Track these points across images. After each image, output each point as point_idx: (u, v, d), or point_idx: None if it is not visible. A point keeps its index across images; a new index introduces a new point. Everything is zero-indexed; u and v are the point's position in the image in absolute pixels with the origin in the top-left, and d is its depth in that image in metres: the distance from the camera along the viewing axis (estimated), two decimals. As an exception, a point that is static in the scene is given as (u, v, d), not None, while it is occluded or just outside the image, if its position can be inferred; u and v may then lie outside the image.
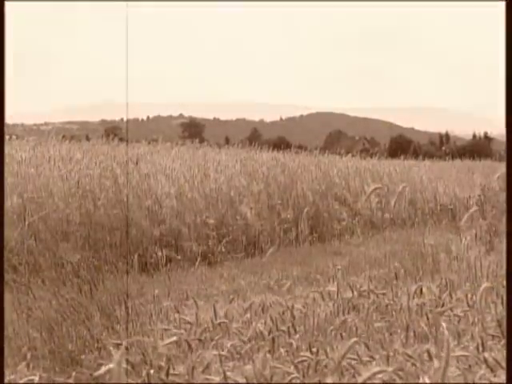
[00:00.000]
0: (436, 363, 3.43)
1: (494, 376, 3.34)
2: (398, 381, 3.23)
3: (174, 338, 4.15)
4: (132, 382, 3.72)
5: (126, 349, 4.71)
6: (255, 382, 3.58)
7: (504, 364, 3.35)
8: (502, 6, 3.73)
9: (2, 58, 3.83)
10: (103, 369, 2.98)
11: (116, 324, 6.96)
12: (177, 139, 27.51)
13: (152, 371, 3.76)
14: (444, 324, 4.25)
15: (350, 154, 24.27)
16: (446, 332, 3.12)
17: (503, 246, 7.77)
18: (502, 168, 4.39)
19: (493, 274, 6.33)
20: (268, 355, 3.93)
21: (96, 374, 3.49)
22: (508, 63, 3.62)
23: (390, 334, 4.54)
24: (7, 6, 4.06)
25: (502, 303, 4.45)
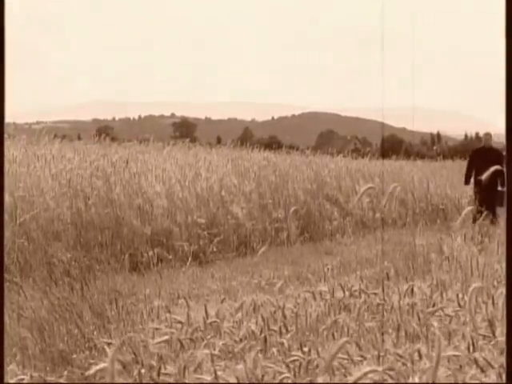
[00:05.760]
0: (426, 363, 3.44)
1: (485, 376, 3.34)
2: (389, 380, 3.24)
3: (166, 338, 4.16)
4: (123, 381, 3.72)
5: (118, 348, 4.71)
6: (246, 381, 3.58)
7: (494, 364, 3.36)
8: (501, 5, 3.73)
9: (2, 57, 3.83)
10: (94, 368, 2.99)
11: (107, 323, 6.95)
12: (168, 139, 27.50)
13: (143, 370, 3.77)
14: (435, 323, 4.26)
15: (341, 154, 24.29)
16: (438, 331, 3.13)
17: (494, 246, 7.78)
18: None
19: (484, 274, 6.34)
20: (259, 355, 3.94)
21: (87, 373, 3.49)
22: (508, 63, 3.62)
23: (381, 334, 4.54)
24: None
25: (493, 303, 4.46)
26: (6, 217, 11.36)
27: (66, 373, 5.21)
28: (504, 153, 3.73)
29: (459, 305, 4.66)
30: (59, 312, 7.21)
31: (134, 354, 4.44)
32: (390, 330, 4.57)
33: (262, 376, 3.62)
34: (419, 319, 4.53)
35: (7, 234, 10.83)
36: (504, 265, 4.05)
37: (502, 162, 15.10)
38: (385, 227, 17.49)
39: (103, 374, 2.82)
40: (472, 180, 15.72)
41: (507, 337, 3.21)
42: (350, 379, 2.90)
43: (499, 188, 14.29)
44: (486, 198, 13.99)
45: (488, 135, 16.02)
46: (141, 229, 12.93)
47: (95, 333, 6.64)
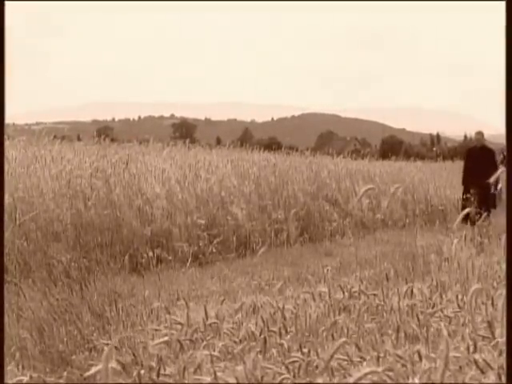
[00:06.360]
0: (426, 364, 3.43)
1: (484, 377, 3.34)
2: (389, 381, 3.23)
3: (165, 339, 4.15)
4: (123, 382, 3.72)
5: (117, 348, 4.71)
6: (246, 382, 3.58)
7: (494, 365, 3.36)
8: (497, 7, 3.74)
9: (2, 57, 3.84)
10: (94, 369, 2.98)
11: (107, 324, 6.95)
12: (168, 139, 27.50)
13: (143, 371, 3.76)
14: (442, 325, 4.26)
15: (341, 155, 24.30)
16: (445, 332, 3.13)
17: (493, 248, 7.78)
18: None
19: (483, 275, 6.34)
20: (259, 356, 3.93)
21: (86, 374, 3.49)
22: (508, 63, 3.62)
23: (381, 335, 4.54)
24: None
25: (493, 304, 4.46)
26: (6, 217, 11.36)
27: (65, 374, 5.21)
28: (504, 152, 3.75)
29: (459, 306, 4.66)
30: (59, 313, 7.21)
31: (134, 354, 4.44)
32: (390, 331, 4.57)
33: (262, 377, 3.62)
34: (419, 320, 4.53)
35: (7, 234, 10.83)
36: (504, 266, 4.04)
37: (495, 160, 15.09)
38: (384, 228, 17.50)
39: (101, 375, 2.82)
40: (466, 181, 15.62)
41: (507, 338, 3.21)
42: (350, 380, 2.90)
43: (492, 190, 14.25)
44: (485, 200, 13.96)
45: (479, 134, 15.74)
46: (140, 230, 12.93)
47: (95, 334, 6.64)
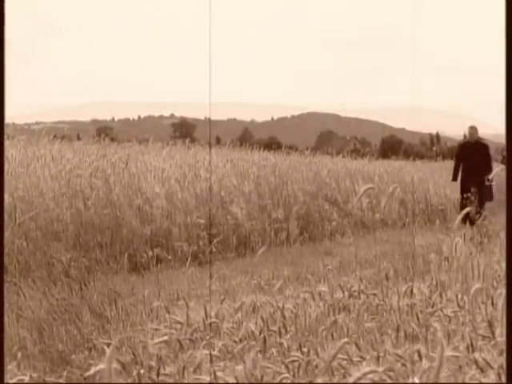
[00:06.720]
0: (426, 363, 3.43)
1: (484, 377, 3.34)
2: (389, 381, 3.23)
3: (165, 338, 4.15)
4: (122, 381, 3.71)
5: (116, 348, 4.71)
6: (246, 381, 3.58)
7: (494, 364, 3.36)
8: (494, 7, 3.73)
9: (2, 57, 3.83)
10: (94, 369, 2.98)
11: (106, 324, 6.95)
12: (168, 139, 27.46)
13: (142, 371, 3.76)
14: (437, 325, 4.26)
15: (340, 155, 24.27)
16: (440, 333, 3.13)
17: (492, 247, 7.77)
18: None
19: (483, 274, 6.34)
20: (259, 355, 3.93)
21: (87, 374, 3.49)
22: (508, 63, 3.62)
23: (381, 335, 4.54)
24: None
25: (492, 304, 4.46)
26: (6, 217, 11.34)
27: (65, 373, 5.21)
28: (504, 153, 3.75)
29: (458, 305, 4.66)
30: (58, 313, 7.21)
31: (134, 354, 4.44)
32: (390, 331, 4.56)
33: (262, 376, 3.62)
34: (418, 320, 4.53)
35: (6, 234, 10.82)
36: (503, 265, 4.04)
37: (490, 155, 15.02)
38: (384, 228, 17.50)
39: (102, 375, 2.82)
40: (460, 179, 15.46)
41: (507, 337, 3.21)
42: (350, 380, 2.90)
43: (486, 183, 14.09)
44: (483, 196, 13.93)
45: (473, 129, 15.51)
46: (140, 229, 12.93)
47: (94, 333, 6.64)
